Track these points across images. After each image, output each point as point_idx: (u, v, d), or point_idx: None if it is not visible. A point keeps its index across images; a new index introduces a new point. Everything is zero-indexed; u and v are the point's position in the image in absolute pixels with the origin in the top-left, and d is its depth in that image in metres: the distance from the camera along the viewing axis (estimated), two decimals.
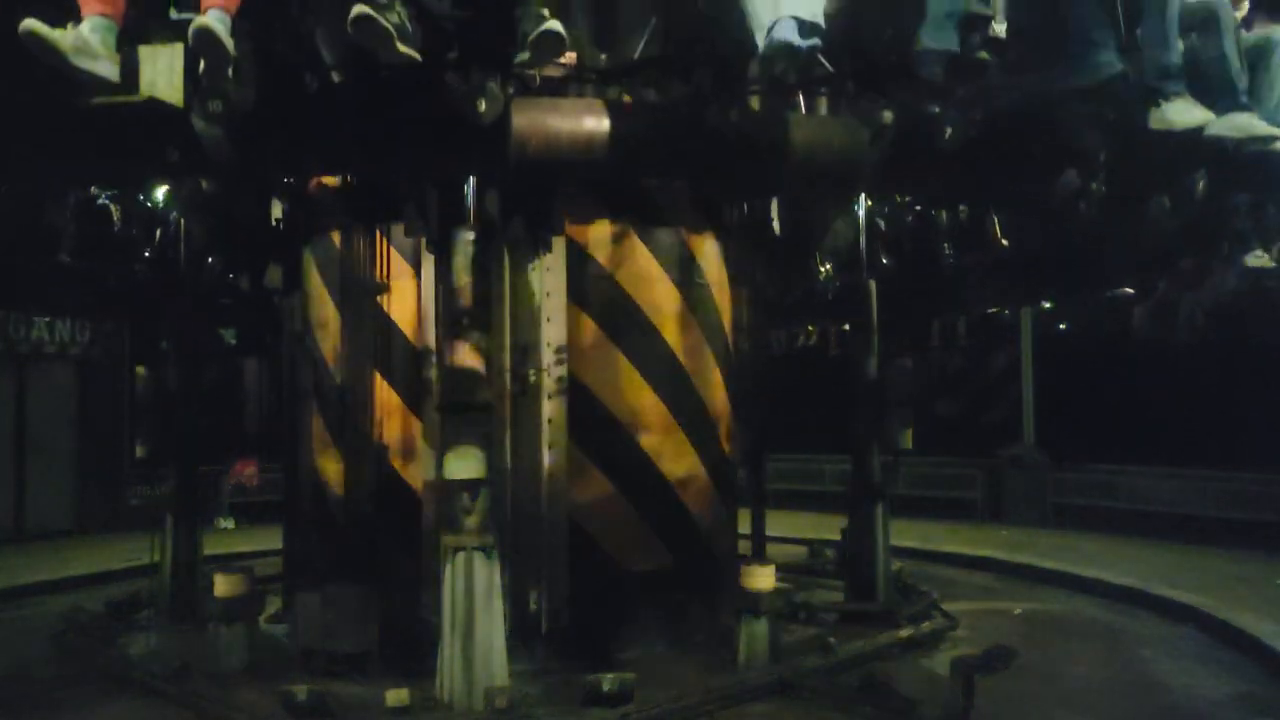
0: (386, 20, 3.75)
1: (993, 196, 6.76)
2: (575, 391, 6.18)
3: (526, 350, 5.91)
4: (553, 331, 6.04)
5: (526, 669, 5.32)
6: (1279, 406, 10.42)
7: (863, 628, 7.04)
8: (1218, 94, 4.90)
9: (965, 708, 5.11)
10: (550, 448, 5.96)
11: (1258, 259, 6.24)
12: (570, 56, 5.24)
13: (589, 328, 6.39)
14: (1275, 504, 10.75)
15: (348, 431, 6.52)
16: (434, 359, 5.96)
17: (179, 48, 3.93)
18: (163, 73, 3.93)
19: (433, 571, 5.59)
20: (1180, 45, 4.82)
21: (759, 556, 8.63)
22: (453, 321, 5.27)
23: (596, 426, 6.33)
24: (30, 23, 3.59)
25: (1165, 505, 11.75)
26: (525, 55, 3.93)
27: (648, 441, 6.50)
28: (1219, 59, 4.93)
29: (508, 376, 5.90)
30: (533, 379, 5.88)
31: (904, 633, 6.98)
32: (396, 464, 6.45)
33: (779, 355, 13.57)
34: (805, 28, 3.94)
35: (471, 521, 5.23)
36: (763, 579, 6.01)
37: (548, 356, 5.98)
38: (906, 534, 9.57)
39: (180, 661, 6.00)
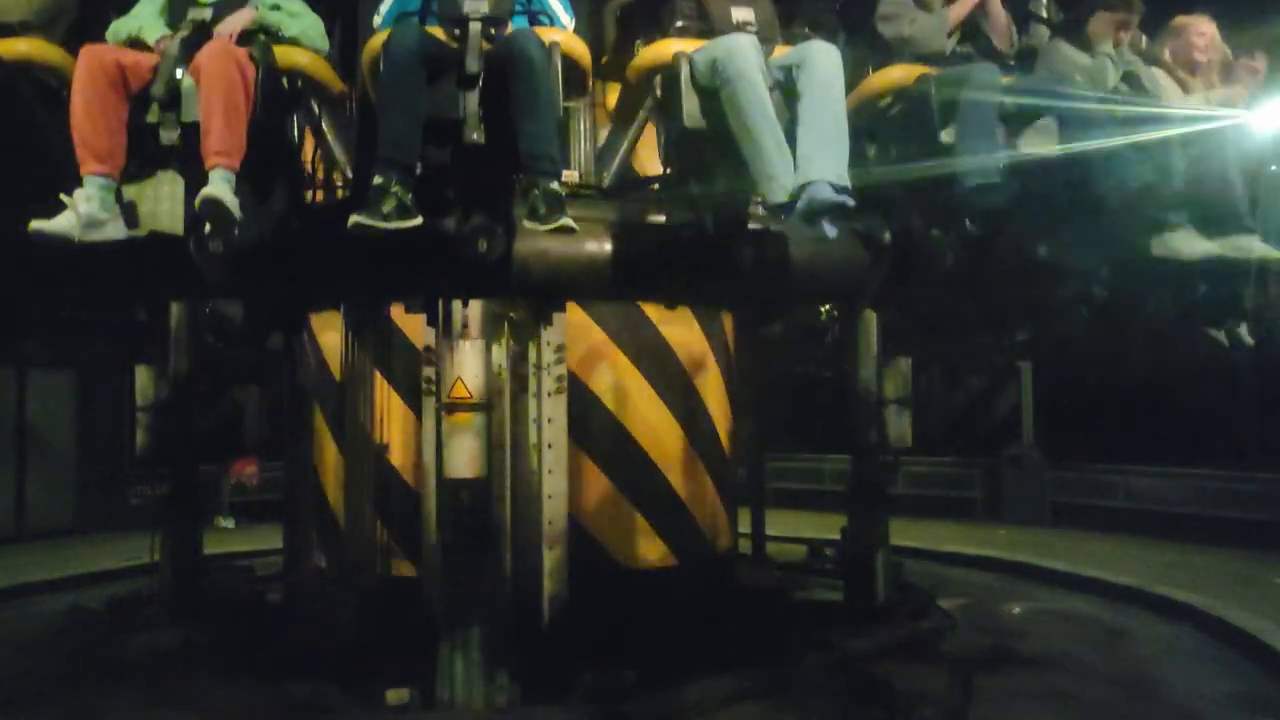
0: (384, 215, 3.67)
1: (990, 307, 6.80)
2: (576, 391, 6.19)
3: (525, 349, 5.92)
4: (552, 330, 6.05)
5: (526, 668, 5.32)
6: (1277, 406, 10.43)
7: (862, 627, 7.05)
8: (1220, 216, 4.77)
9: (964, 707, 5.13)
10: (550, 447, 5.97)
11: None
12: (571, 175, 5.26)
13: (589, 327, 6.40)
14: (1275, 504, 10.75)
15: (348, 430, 6.53)
16: (434, 359, 5.97)
17: (178, 178, 3.91)
18: (164, 200, 3.92)
19: (433, 570, 5.61)
20: (1181, 166, 4.69)
21: (759, 556, 8.67)
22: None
23: (597, 426, 6.34)
24: (36, 225, 3.59)
25: (1164, 505, 11.73)
26: (529, 222, 3.89)
27: (648, 441, 6.52)
28: (1222, 183, 4.75)
29: (508, 376, 5.91)
30: (532, 378, 5.89)
31: (903, 631, 6.99)
32: (397, 463, 6.46)
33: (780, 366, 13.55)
34: (838, 189, 3.88)
35: (472, 521, 5.25)
36: (763, 578, 6.03)
37: (547, 355, 6.00)
38: (906, 534, 9.57)
39: (180, 660, 6.01)
